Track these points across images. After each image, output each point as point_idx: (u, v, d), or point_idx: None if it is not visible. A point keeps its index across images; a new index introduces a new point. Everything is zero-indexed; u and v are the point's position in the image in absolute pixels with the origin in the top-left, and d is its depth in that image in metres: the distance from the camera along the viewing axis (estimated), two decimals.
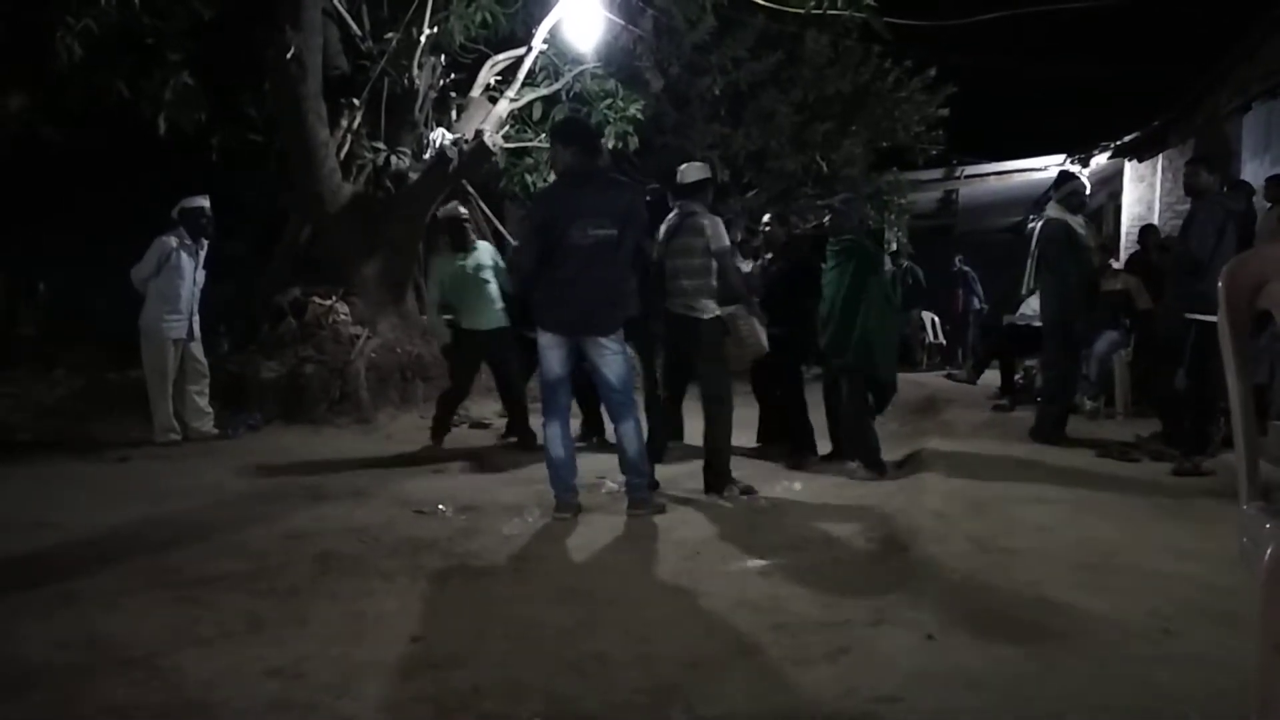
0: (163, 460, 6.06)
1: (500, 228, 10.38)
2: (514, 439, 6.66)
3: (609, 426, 5.26)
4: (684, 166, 5.31)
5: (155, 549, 3.85)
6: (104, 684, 2.52)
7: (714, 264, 5.01)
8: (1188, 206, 6.27)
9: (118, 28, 6.90)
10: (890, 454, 6.73)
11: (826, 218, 6.36)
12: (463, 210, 6.76)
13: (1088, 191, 7.18)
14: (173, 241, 6.70)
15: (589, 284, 4.44)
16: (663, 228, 5.21)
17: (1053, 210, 6.78)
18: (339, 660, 2.70)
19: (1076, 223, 6.59)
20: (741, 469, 5.37)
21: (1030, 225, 17.51)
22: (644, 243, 4.60)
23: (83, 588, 3.32)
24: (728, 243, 5.12)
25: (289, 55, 7.35)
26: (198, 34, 7.58)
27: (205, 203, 6.85)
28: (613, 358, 4.55)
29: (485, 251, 6.61)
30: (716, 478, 5.12)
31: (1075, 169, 13.00)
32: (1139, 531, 4.15)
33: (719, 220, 5.10)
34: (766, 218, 6.90)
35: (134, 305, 6.78)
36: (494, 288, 6.46)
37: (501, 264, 6.54)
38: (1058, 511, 4.52)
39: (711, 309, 5.07)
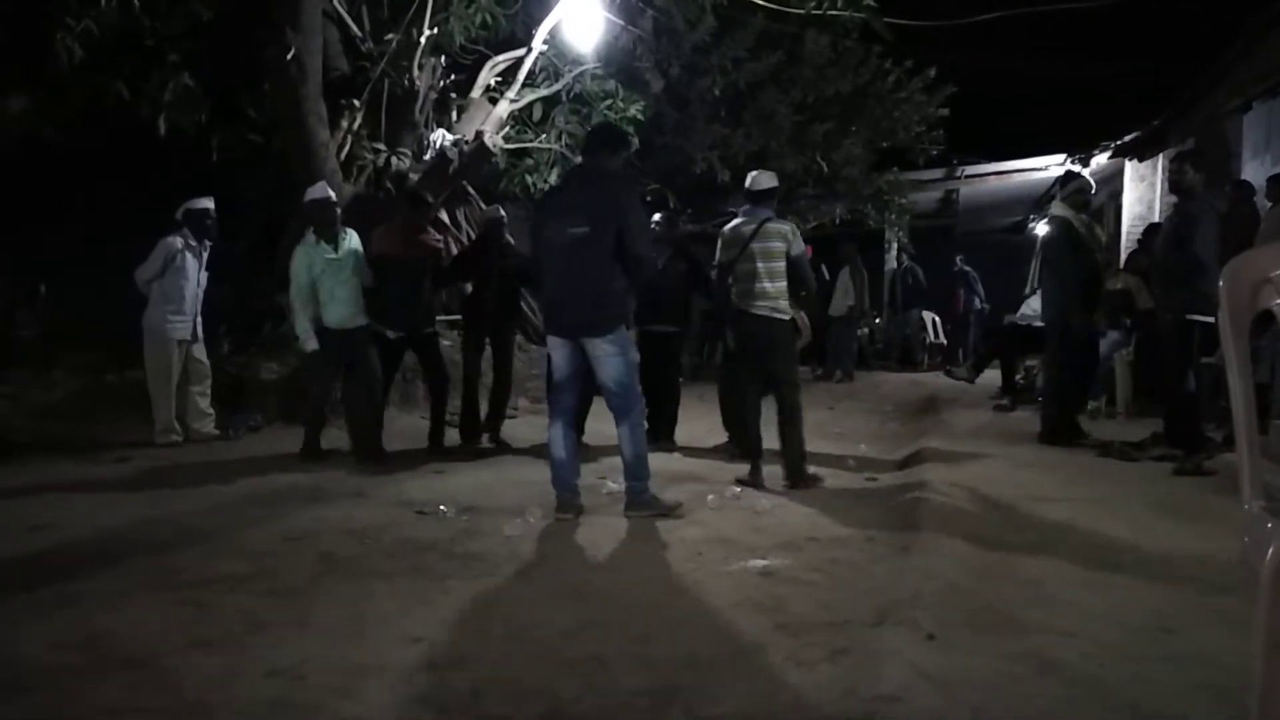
0: (163, 461, 6.06)
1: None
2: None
3: (612, 432, 5.22)
4: (756, 174, 5.58)
5: (155, 550, 3.85)
6: (104, 685, 2.51)
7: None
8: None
9: (118, 29, 6.90)
10: (891, 453, 6.75)
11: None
12: (332, 193, 6.27)
13: (1093, 190, 7.16)
14: (178, 242, 6.70)
15: (570, 283, 4.50)
16: (727, 233, 5.45)
17: (1057, 209, 6.79)
18: (339, 661, 2.69)
19: (1080, 221, 6.58)
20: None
21: (1031, 225, 17.59)
22: (629, 240, 4.43)
23: (83, 589, 3.32)
24: (803, 247, 5.45)
25: (289, 56, 7.35)
26: (198, 35, 7.58)
27: (210, 204, 6.85)
28: (608, 359, 4.53)
29: (355, 239, 6.23)
30: (798, 470, 5.33)
31: (1077, 168, 13.02)
32: (1140, 531, 4.15)
33: (794, 226, 5.46)
34: (657, 217, 6.90)
35: (134, 306, 6.78)
36: (358, 282, 6.17)
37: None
38: (1058, 511, 4.52)
39: (789, 310, 5.36)
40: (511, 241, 6.94)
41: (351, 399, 6.27)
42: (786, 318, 5.36)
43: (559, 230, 4.50)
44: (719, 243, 5.59)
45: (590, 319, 4.52)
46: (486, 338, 6.82)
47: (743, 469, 5.47)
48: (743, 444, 5.53)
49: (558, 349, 4.66)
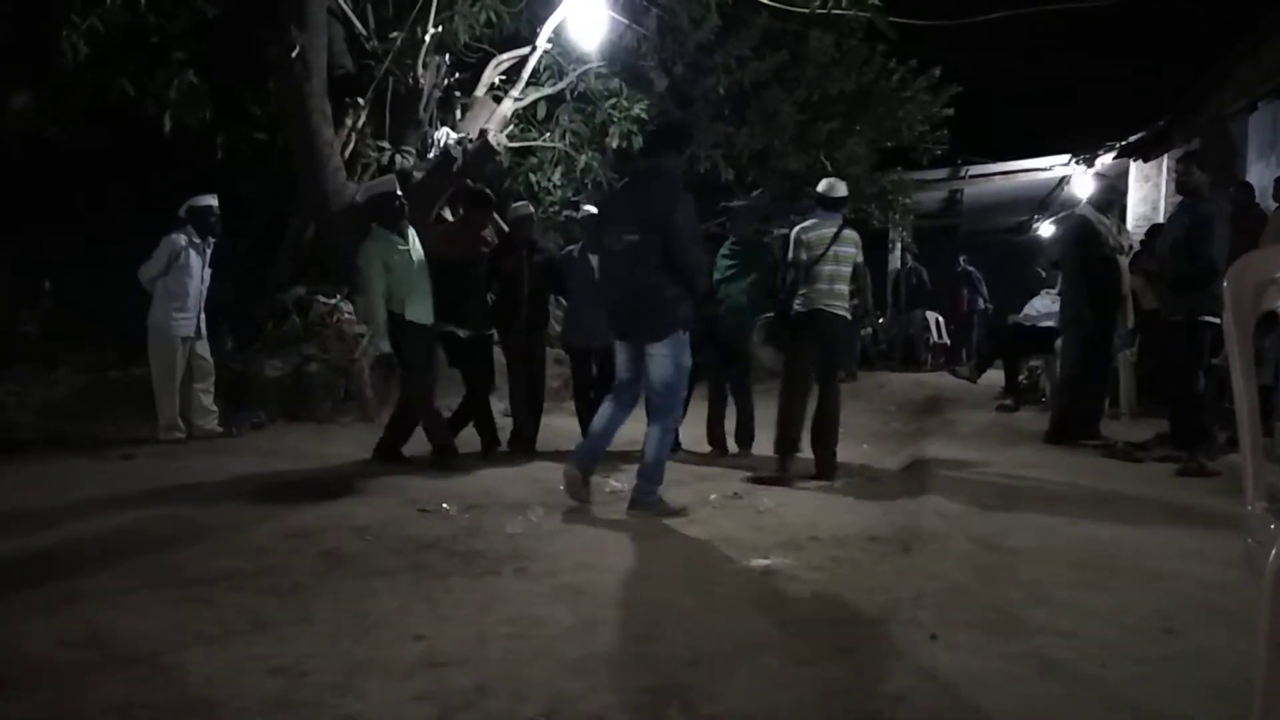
0: (167, 458, 6.07)
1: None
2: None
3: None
4: (833, 182, 5.85)
5: (159, 547, 3.86)
6: (108, 682, 2.52)
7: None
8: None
9: (123, 27, 6.92)
10: (893, 454, 6.74)
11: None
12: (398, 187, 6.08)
13: (1122, 194, 7.13)
14: (182, 240, 6.71)
15: (625, 289, 4.60)
16: (805, 235, 5.60)
17: (1081, 208, 6.84)
18: (342, 659, 2.70)
19: (1099, 221, 6.55)
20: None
21: (1036, 225, 17.56)
22: (673, 249, 4.43)
23: (86, 586, 3.32)
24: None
25: (293, 54, 7.35)
26: (202, 33, 7.60)
27: (214, 201, 6.85)
28: (658, 359, 4.59)
29: (416, 236, 6.05)
30: (833, 464, 5.61)
31: (1081, 169, 13.00)
32: (1143, 531, 4.15)
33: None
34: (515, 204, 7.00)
35: (137, 304, 6.79)
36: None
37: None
38: (1061, 511, 4.52)
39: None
40: (536, 239, 6.94)
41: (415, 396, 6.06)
42: (851, 317, 5.84)
43: (615, 236, 4.61)
44: (795, 242, 5.66)
45: (645, 325, 4.59)
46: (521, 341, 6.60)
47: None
48: (789, 444, 5.58)
49: (620, 351, 4.80)
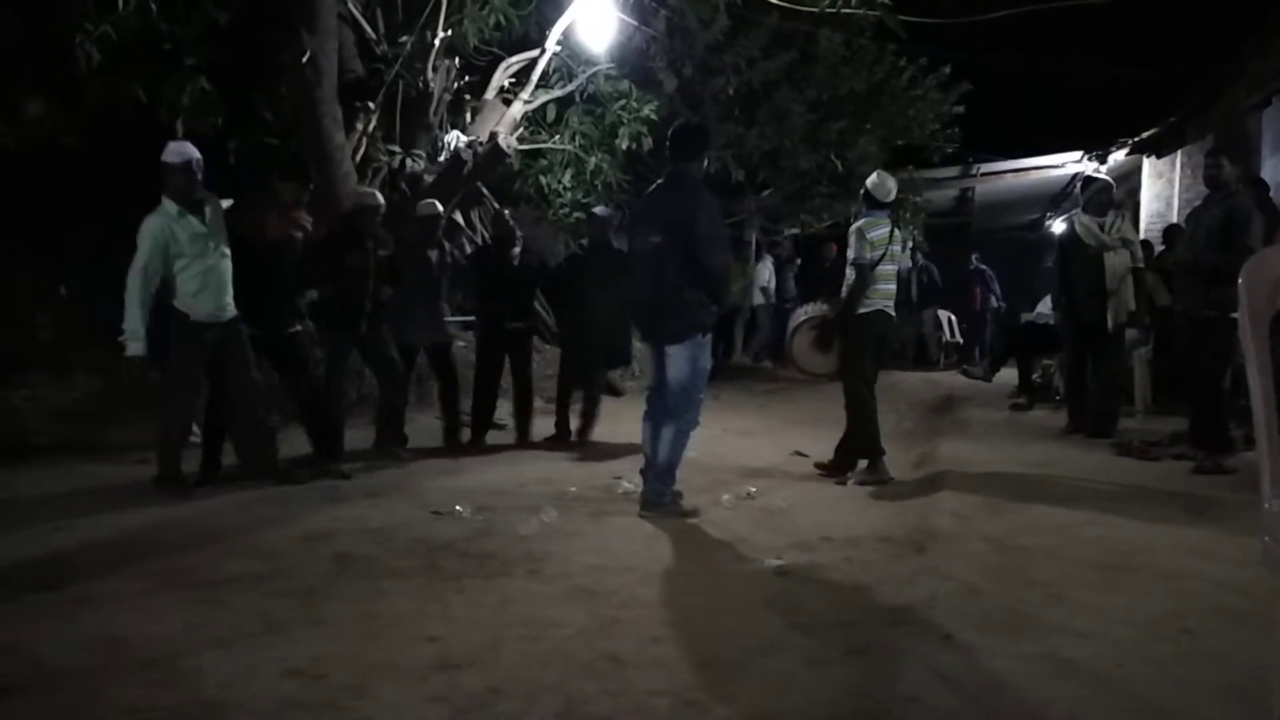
0: (180, 462, 6.09)
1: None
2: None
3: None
4: (882, 177, 5.70)
5: (173, 550, 3.88)
6: (123, 684, 2.54)
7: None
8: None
9: (135, 34, 6.95)
10: (906, 453, 6.71)
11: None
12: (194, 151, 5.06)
13: (1112, 189, 7.08)
14: None
15: (650, 291, 4.63)
16: (870, 234, 5.47)
17: (1073, 213, 6.90)
18: (355, 661, 2.71)
19: (1086, 223, 6.67)
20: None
21: (1048, 223, 17.48)
22: (697, 251, 4.45)
23: (102, 589, 3.34)
24: None
25: (304, 59, 7.38)
26: (214, 39, 7.63)
27: (230, 206, 6.87)
28: (676, 360, 4.61)
29: (220, 210, 5.15)
30: (854, 461, 5.65)
31: (1093, 166, 12.92)
32: (1159, 530, 4.12)
33: None
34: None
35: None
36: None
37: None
38: (1076, 510, 4.49)
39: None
40: (519, 235, 6.97)
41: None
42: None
43: (642, 239, 4.67)
44: (858, 240, 5.51)
45: (666, 327, 4.62)
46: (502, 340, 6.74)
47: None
48: (875, 447, 5.59)
49: (648, 355, 4.90)
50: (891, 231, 5.58)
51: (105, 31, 6.66)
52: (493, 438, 6.83)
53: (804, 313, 6.52)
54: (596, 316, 6.63)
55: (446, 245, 6.73)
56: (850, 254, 5.59)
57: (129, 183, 8.84)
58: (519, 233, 7.11)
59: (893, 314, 5.64)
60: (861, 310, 5.51)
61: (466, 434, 6.71)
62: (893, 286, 5.60)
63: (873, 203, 5.62)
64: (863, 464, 5.59)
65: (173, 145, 5.11)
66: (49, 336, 9.06)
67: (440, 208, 6.71)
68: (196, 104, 7.51)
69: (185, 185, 4.97)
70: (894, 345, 15.17)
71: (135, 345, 4.92)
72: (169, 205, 4.97)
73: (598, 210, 7.32)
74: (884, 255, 5.50)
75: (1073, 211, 7.00)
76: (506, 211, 7.52)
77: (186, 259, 4.99)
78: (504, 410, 7.13)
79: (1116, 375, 6.94)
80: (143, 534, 4.19)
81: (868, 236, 5.47)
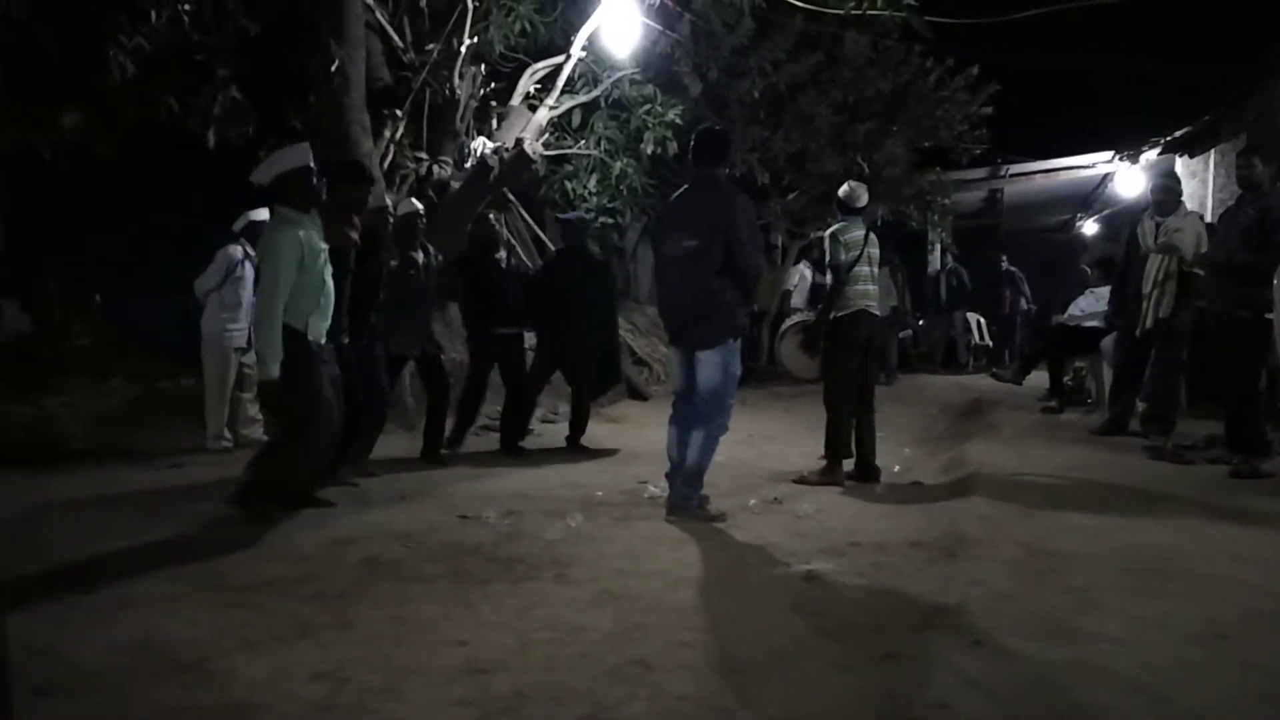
0: (214, 467, 6.15)
1: (541, 235, 10.44)
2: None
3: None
4: (853, 186, 5.84)
5: (206, 554, 3.92)
6: (156, 686, 2.57)
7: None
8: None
9: (168, 45, 7.06)
10: (935, 456, 6.66)
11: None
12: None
13: (1160, 190, 6.88)
14: (238, 252, 6.83)
15: (682, 296, 4.65)
16: (843, 236, 5.62)
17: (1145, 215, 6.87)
18: (384, 664, 2.73)
19: (1144, 223, 6.63)
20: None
21: (1079, 224, 17.27)
22: (736, 252, 4.48)
23: (137, 592, 3.39)
24: None
25: (334, 68, 7.46)
26: (246, 50, 7.72)
27: (267, 215, 6.95)
28: (708, 366, 4.62)
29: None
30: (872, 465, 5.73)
31: (1125, 166, 12.77)
32: (1193, 535, 4.06)
33: None
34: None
35: (182, 315, 6.94)
36: None
37: None
38: (1108, 515, 4.44)
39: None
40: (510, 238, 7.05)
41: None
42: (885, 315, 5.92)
43: (674, 243, 4.66)
44: (832, 244, 5.66)
45: (700, 332, 4.62)
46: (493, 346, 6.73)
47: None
48: (844, 449, 5.60)
49: (675, 360, 4.87)
50: (866, 235, 5.68)
51: (138, 43, 6.77)
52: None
53: (793, 318, 6.78)
54: (579, 322, 6.72)
55: (430, 248, 6.42)
56: (826, 258, 5.79)
57: (161, 194, 8.96)
58: (505, 236, 7.14)
59: (877, 314, 5.70)
60: (844, 312, 5.58)
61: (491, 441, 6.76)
62: (873, 287, 5.66)
63: (846, 210, 5.79)
64: (821, 461, 5.64)
65: (298, 146, 4.78)
66: (85, 344, 9.23)
67: (419, 205, 6.38)
68: (228, 114, 7.60)
69: (315, 190, 4.63)
70: (922, 347, 15.18)
71: (275, 368, 4.44)
72: (290, 213, 4.56)
73: (567, 215, 7.45)
74: (860, 256, 5.58)
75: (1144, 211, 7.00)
76: (490, 215, 7.48)
77: (313, 274, 4.54)
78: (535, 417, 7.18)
79: (1167, 377, 6.70)
80: (176, 538, 4.24)
81: (841, 239, 5.62)
